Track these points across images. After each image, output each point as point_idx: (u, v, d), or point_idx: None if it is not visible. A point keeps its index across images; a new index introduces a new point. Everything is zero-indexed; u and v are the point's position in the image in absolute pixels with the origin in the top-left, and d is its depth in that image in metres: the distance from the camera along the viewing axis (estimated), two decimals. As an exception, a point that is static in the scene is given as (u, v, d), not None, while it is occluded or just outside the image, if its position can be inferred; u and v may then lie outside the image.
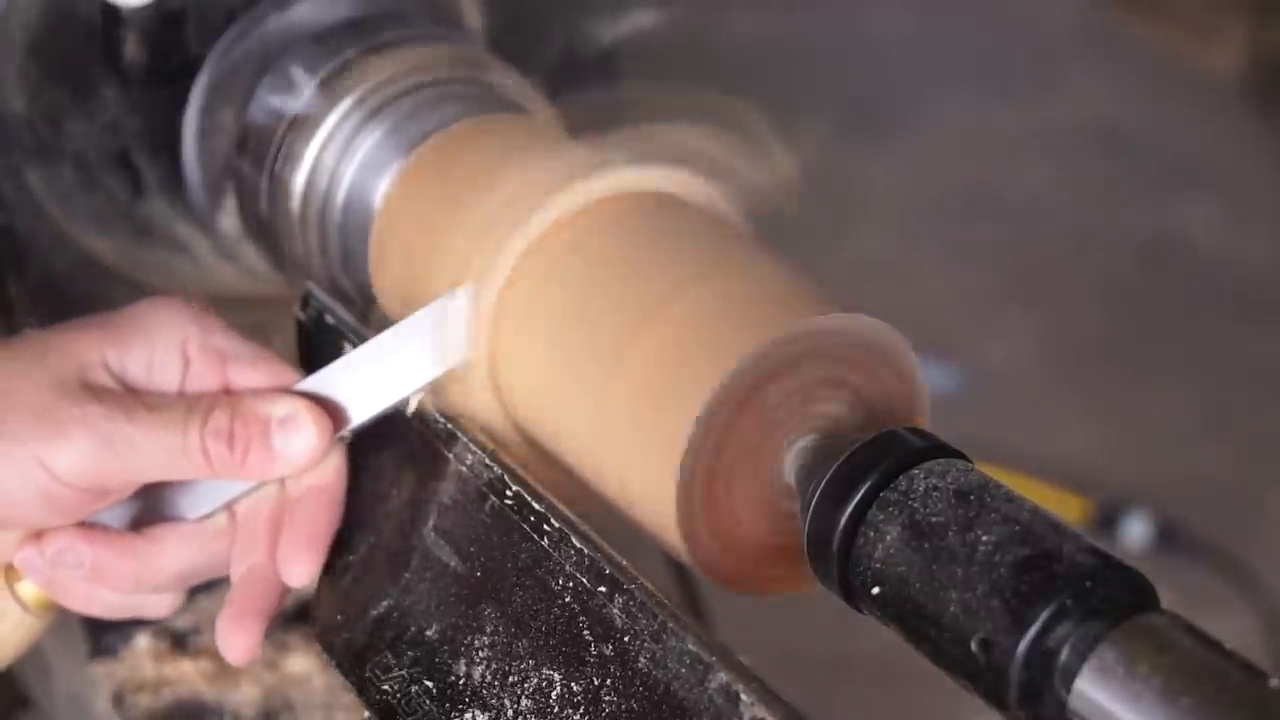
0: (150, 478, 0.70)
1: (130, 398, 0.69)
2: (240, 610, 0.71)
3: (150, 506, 0.73)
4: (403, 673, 0.68)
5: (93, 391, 0.69)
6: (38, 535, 0.71)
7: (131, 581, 0.72)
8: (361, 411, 0.71)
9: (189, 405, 0.70)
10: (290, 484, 0.73)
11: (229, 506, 0.73)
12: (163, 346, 0.72)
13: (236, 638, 0.70)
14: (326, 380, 0.72)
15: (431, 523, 0.69)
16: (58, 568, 0.70)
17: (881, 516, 0.57)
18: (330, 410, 0.71)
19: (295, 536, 0.72)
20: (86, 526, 0.71)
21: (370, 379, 0.71)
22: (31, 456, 0.67)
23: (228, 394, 0.72)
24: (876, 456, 0.58)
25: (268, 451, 0.70)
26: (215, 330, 0.73)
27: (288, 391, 0.72)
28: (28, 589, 0.72)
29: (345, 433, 0.71)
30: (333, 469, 0.72)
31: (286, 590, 0.72)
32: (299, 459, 0.70)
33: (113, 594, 0.72)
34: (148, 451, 0.68)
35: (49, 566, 0.70)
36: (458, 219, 0.73)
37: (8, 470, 0.67)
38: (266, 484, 0.72)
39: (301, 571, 0.71)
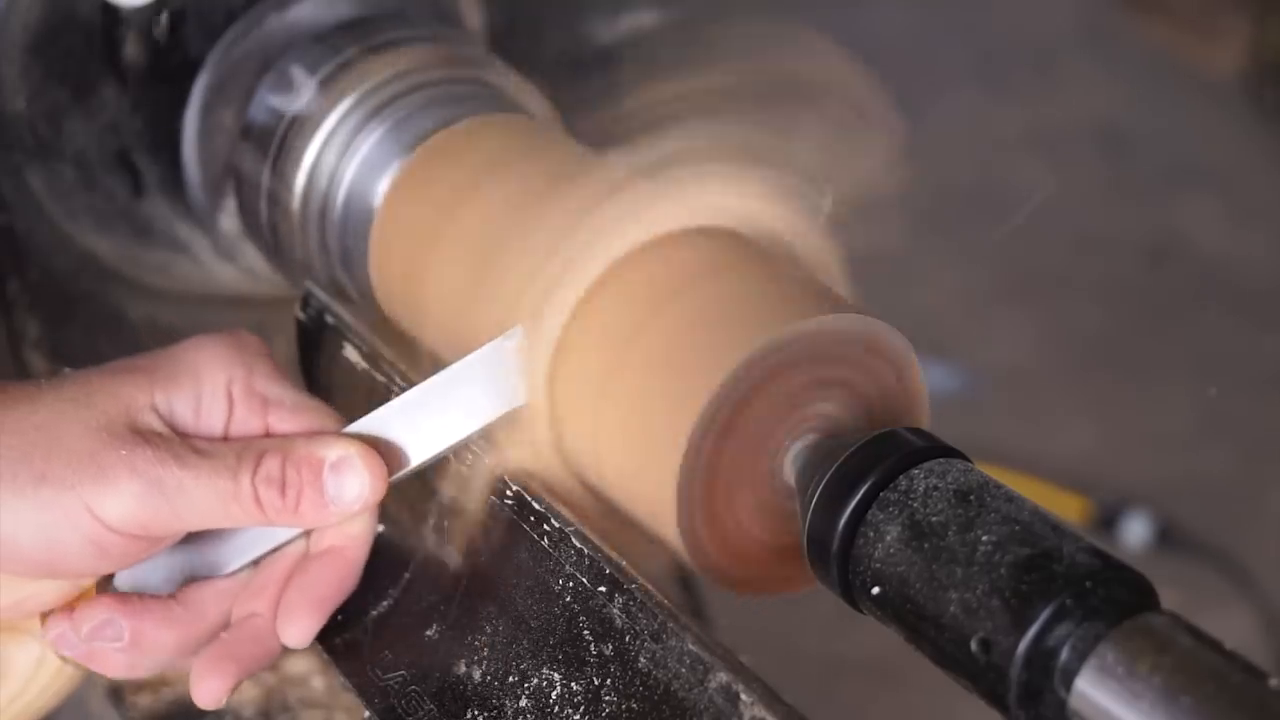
0: (199, 525, 0.68)
1: (180, 442, 0.67)
2: (224, 654, 0.68)
3: (184, 564, 0.70)
4: (403, 672, 0.68)
5: (142, 435, 0.66)
6: (69, 608, 0.68)
7: (171, 648, 0.69)
8: (411, 458, 0.69)
9: (239, 450, 0.68)
10: (313, 540, 0.70)
11: (258, 560, 0.71)
12: (210, 388, 0.69)
13: (211, 679, 0.67)
14: (374, 425, 0.69)
15: (431, 523, 0.69)
16: (95, 641, 0.67)
17: (881, 516, 0.57)
18: (380, 454, 0.68)
19: (301, 596, 0.69)
20: (122, 596, 0.68)
21: (421, 424, 0.68)
22: (79, 503, 0.65)
23: (277, 437, 0.69)
24: (876, 456, 0.58)
25: (320, 497, 0.67)
26: (259, 373, 0.70)
27: (340, 434, 0.69)
28: None
29: (392, 480, 0.69)
30: (359, 530, 0.70)
31: (278, 651, 0.70)
32: (353, 504, 0.68)
33: (151, 659, 0.69)
34: (199, 497, 0.66)
35: (85, 642, 0.67)
36: (488, 238, 0.72)
37: (55, 518, 0.65)
38: (299, 537, 0.70)
39: (299, 633, 0.69)
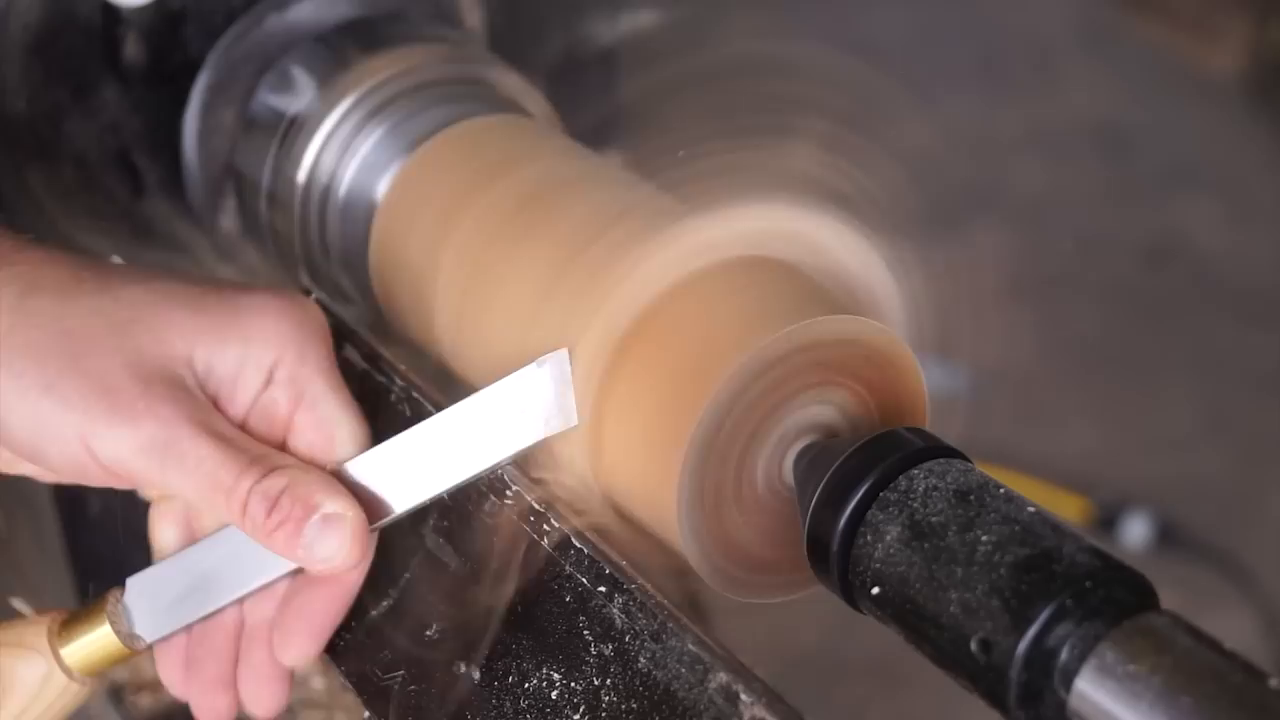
0: (175, 493, 0.67)
1: (204, 411, 0.65)
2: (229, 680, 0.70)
3: (184, 593, 0.69)
4: (403, 672, 0.68)
5: (168, 386, 0.64)
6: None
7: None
8: (430, 488, 0.67)
9: (256, 455, 0.65)
10: None
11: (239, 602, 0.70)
12: (255, 362, 0.67)
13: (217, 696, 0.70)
14: (396, 449, 0.67)
15: (431, 523, 0.69)
16: None
17: (881, 516, 0.57)
18: (392, 489, 0.67)
19: (298, 622, 0.68)
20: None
21: (450, 449, 0.66)
22: (74, 429, 0.63)
23: (295, 459, 0.67)
24: (876, 457, 0.58)
25: (295, 538, 0.65)
26: (310, 363, 0.68)
27: (346, 494, 0.66)
28: (73, 656, 0.69)
29: (412, 508, 0.67)
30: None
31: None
32: (319, 561, 0.65)
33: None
34: (194, 475, 0.64)
35: None
36: (494, 245, 0.71)
37: (47, 430, 0.63)
38: (281, 579, 0.69)
39: (299, 655, 0.68)
